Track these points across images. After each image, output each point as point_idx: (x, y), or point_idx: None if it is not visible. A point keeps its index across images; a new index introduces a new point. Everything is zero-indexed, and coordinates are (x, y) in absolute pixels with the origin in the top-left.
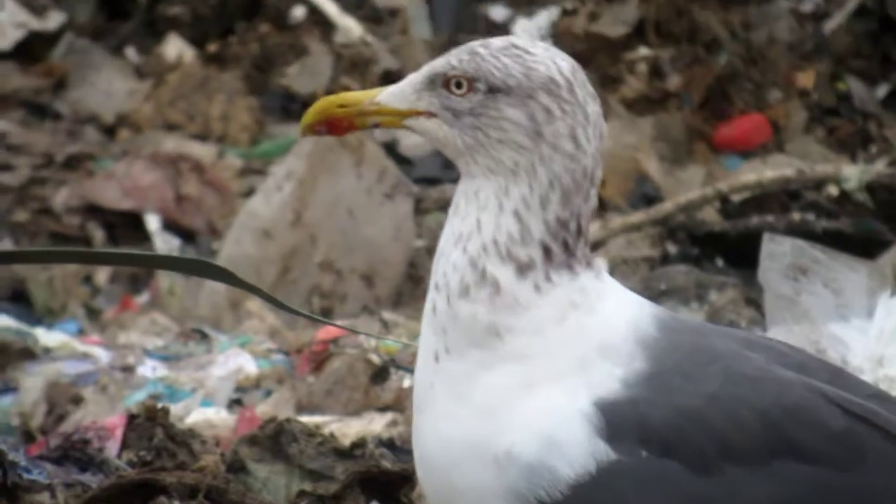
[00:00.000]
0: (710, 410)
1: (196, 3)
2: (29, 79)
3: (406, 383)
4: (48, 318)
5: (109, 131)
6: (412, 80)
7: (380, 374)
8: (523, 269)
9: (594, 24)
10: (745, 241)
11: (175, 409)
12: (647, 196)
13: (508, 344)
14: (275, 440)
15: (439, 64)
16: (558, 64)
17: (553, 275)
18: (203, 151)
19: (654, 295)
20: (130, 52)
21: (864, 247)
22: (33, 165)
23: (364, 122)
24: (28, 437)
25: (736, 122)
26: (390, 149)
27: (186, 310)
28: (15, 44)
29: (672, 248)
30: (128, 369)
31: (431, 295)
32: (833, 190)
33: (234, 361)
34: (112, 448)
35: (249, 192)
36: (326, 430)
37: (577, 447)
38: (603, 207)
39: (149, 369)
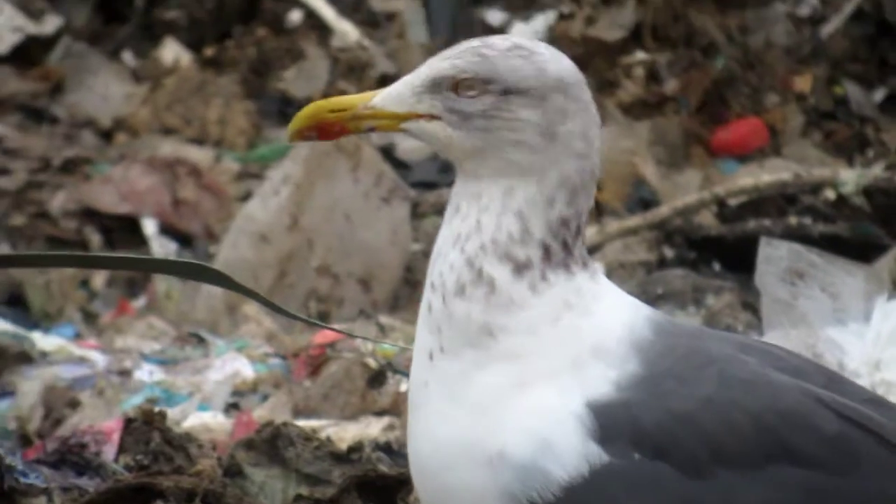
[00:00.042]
0: (703, 414)
1: (193, 7)
2: (26, 83)
3: (403, 387)
4: (45, 322)
5: (106, 135)
6: (410, 82)
7: (377, 378)
8: (520, 268)
9: (591, 29)
10: (741, 245)
11: (172, 413)
12: (643, 200)
13: (502, 343)
14: (271, 444)
15: (445, 67)
16: (564, 64)
17: (549, 274)
18: (200, 155)
19: (651, 299)
20: (127, 56)
21: (861, 251)
22: (30, 169)
23: (358, 126)
24: (25, 441)
25: (733, 126)
26: (387, 153)
27: (183, 314)
28: (12, 48)
29: (669, 253)
30: (125, 373)
31: (427, 295)
32: (830, 194)
33: (231, 365)
34: (109, 452)
35: (246, 197)
36: (323, 434)
37: (570, 449)
38: (600, 212)
39: (146, 373)
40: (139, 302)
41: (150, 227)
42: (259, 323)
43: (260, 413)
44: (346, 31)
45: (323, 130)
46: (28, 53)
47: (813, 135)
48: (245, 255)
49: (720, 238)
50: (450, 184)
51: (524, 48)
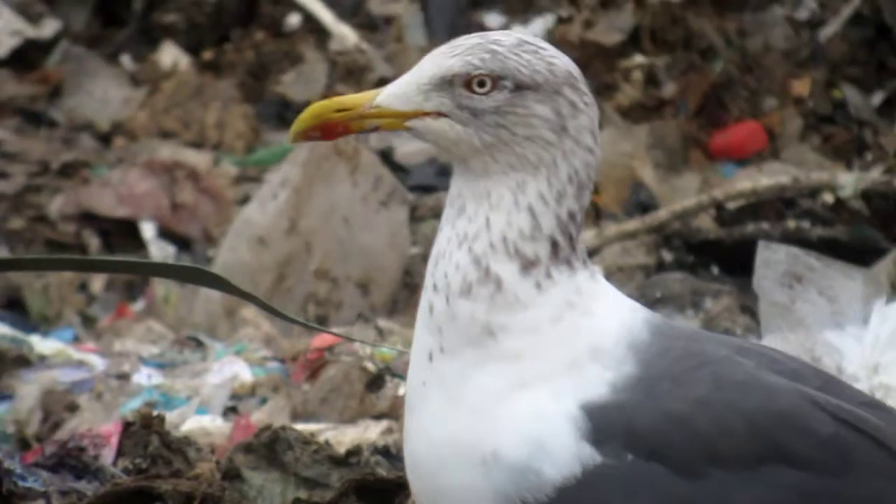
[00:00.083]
0: (697, 415)
1: (191, 10)
2: (24, 86)
3: (401, 391)
4: (43, 325)
5: (105, 139)
6: (415, 81)
7: (375, 382)
8: (527, 266)
9: (589, 32)
10: (740, 248)
11: (170, 416)
12: (642, 204)
13: (502, 343)
14: (270, 448)
15: (456, 64)
16: (568, 59)
17: (554, 271)
18: (198, 159)
19: (650, 302)
20: (126, 60)
21: (859, 254)
22: (29, 173)
23: (362, 125)
24: (23, 444)
25: (731, 130)
26: (386, 157)
27: (182, 317)
28: (10, 51)
29: (667, 256)
30: (123, 377)
31: (428, 296)
32: (828, 197)
33: (230, 369)
34: (107, 456)
35: (245, 200)
36: (322, 438)
37: (563, 450)
38: (598, 215)
39: (144, 377)
40: (138, 305)
41: (148, 230)
42: (257, 326)
43: (258, 416)
44: (345, 34)
45: (326, 130)
46: (26, 57)
47: (811, 138)
48: (243, 258)
49: (718, 241)
50: (448, 188)
51: (531, 43)
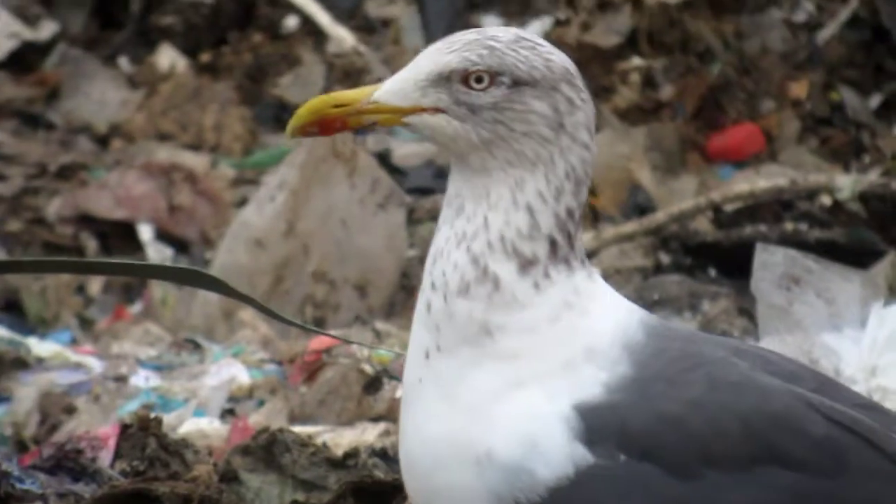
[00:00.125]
0: (691, 416)
1: (189, 12)
2: (22, 89)
3: (399, 393)
4: (41, 327)
5: (102, 141)
6: (412, 76)
7: (372, 384)
8: (525, 265)
9: (587, 35)
10: (737, 250)
11: (168, 418)
12: (639, 206)
13: (499, 343)
14: (267, 450)
15: (454, 60)
16: (563, 55)
17: (552, 271)
18: (196, 161)
19: (648, 305)
20: (123, 62)
21: (857, 257)
22: (26, 175)
23: (359, 121)
24: (21, 446)
25: (729, 132)
26: (383, 159)
27: (179, 320)
28: (8, 54)
29: (665, 258)
30: (121, 379)
31: (426, 294)
32: (826, 200)
33: (227, 371)
34: (105, 458)
35: (242, 202)
36: (319, 440)
37: (556, 450)
38: (596, 217)
39: (142, 379)
40: (135, 308)
41: (146, 232)
42: (255, 329)
43: (256, 419)
44: (342, 36)
45: (324, 126)
46: (24, 59)
47: (809, 141)
48: (241, 260)
49: (716, 244)
50: (445, 190)
51: (529, 39)
